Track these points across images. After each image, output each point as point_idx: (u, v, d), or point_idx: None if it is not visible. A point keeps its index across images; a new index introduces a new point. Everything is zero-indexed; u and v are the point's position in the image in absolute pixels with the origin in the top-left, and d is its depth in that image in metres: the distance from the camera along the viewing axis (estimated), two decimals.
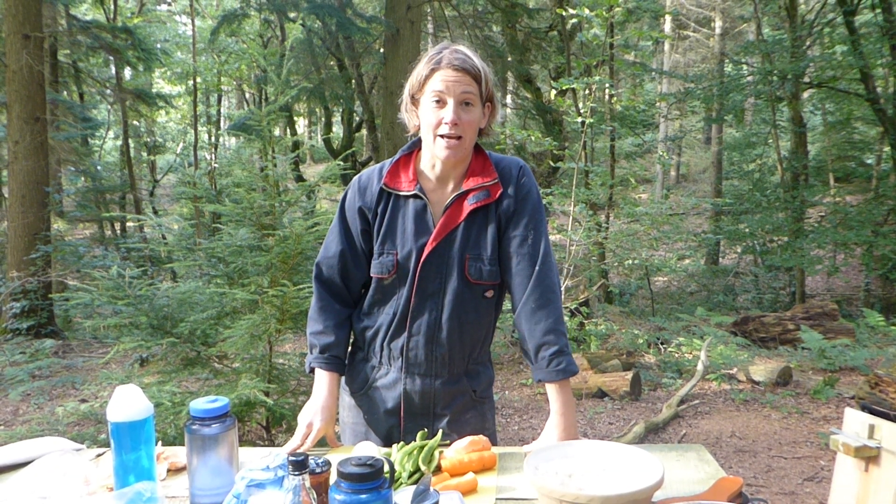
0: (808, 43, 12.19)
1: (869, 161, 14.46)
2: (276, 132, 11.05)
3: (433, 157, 1.83)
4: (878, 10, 10.72)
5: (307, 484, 1.19)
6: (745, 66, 13.73)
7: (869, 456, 3.07)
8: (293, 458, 1.18)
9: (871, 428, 3.17)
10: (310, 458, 1.26)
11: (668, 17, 17.60)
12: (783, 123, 13.42)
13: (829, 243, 11.69)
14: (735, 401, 5.98)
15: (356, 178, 1.94)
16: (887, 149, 12.13)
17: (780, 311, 10.30)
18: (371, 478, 1.14)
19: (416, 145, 1.91)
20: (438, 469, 1.63)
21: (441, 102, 1.74)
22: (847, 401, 5.78)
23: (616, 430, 5.33)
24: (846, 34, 11.08)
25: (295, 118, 20.11)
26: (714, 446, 4.97)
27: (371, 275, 1.88)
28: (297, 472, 1.18)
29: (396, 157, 1.90)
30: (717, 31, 18.59)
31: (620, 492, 1.28)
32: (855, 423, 3.29)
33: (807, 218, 12.35)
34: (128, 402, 1.45)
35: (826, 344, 7.39)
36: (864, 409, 3.26)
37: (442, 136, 1.76)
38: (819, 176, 14.14)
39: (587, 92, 8.03)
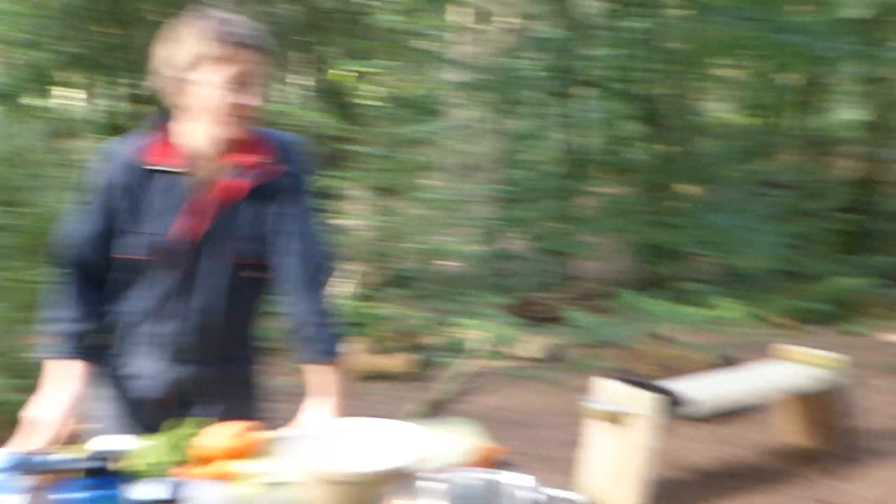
0: (582, 43, 13.09)
1: (636, 157, 15.85)
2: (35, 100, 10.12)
3: (209, 134, 1.67)
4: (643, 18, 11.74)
5: (36, 484, 1.09)
6: (527, 61, 14.47)
7: (619, 420, 3.41)
8: (21, 459, 1.07)
9: (621, 395, 3.52)
10: (40, 456, 1.15)
11: (461, 8, 18.09)
12: (560, 118, 14.33)
13: (599, 230, 12.71)
14: (507, 376, 6.32)
15: (102, 151, 1.75)
16: (656, 146, 13.37)
17: (553, 292, 11.01)
18: (102, 473, 1.06)
19: (167, 117, 1.72)
20: (197, 457, 1.55)
21: (241, 85, 1.61)
22: (607, 372, 6.33)
23: (392, 410, 5.42)
24: (618, 37, 12.04)
25: (63, 87, 18.36)
26: (486, 420, 5.20)
27: (125, 256, 1.71)
28: (25, 472, 1.07)
29: (148, 128, 1.73)
30: (507, 25, 19.37)
31: (381, 468, 1.29)
32: (607, 392, 3.64)
33: (580, 206, 13.32)
34: None
35: (592, 321, 8.03)
36: (618, 379, 3.63)
37: (238, 118, 1.63)
38: (592, 167, 15.29)
39: (374, 76, 8.07)
